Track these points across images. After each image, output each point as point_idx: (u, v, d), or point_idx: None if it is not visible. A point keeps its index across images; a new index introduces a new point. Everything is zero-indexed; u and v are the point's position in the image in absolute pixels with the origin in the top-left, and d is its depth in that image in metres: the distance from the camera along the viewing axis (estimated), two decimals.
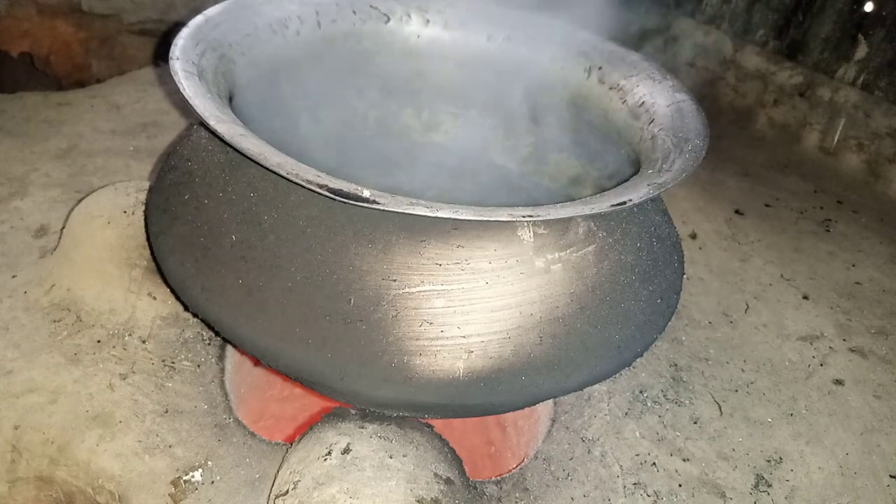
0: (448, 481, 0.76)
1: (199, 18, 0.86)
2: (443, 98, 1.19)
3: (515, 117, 1.17)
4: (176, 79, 0.72)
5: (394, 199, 0.61)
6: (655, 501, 0.90)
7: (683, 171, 0.75)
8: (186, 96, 0.70)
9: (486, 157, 1.23)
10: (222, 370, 0.98)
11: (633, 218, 0.81)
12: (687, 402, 1.07)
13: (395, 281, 0.67)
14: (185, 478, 0.83)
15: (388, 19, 1.10)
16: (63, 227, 1.09)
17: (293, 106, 1.03)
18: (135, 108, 1.62)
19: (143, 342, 0.99)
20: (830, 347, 1.24)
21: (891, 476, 1.01)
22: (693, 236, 1.50)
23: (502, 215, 0.63)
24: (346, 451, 0.75)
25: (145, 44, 2.12)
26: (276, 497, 0.75)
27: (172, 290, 0.84)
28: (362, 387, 0.69)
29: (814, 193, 1.79)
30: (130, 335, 0.99)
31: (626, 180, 0.77)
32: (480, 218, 0.62)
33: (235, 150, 0.66)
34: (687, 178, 0.74)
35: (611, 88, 1.00)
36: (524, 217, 0.64)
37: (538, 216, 0.65)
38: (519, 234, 0.70)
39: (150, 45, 2.12)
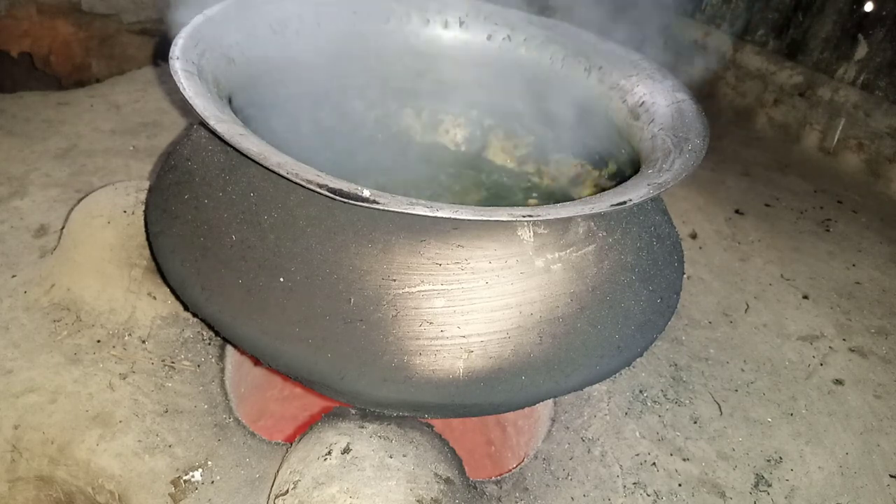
0: (448, 481, 0.76)
1: (199, 18, 0.85)
2: (443, 98, 1.19)
3: (515, 117, 1.17)
4: (176, 78, 0.72)
5: (394, 199, 0.61)
6: (655, 501, 0.90)
7: (683, 171, 0.75)
8: (186, 96, 0.70)
9: (486, 157, 1.23)
10: (222, 370, 0.98)
11: (633, 218, 0.81)
12: (687, 401, 1.07)
13: (395, 281, 0.68)
14: (185, 477, 0.83)
15: (388, 19, 1.10)
16: (63, 227, 1.09)
17: (293, 106, 1.03)
18: (135, 108, 1.62)
19: (143, 342, 0.99)
20: (830, 347, 1.24)
21: (891, 476, 1.01)
22: (693, 236, 1.50)
23: (502, 215, 0.63)
24: (346, 450, 0.75)
25: (145, 43, 2.12)
26: (276, 497, 0.75)
27: (172, 290, 0.84)
28: (362, 386, 0.69)
29: (814, 193, 1.79)
30: (130, 335, 0.99)
31: (626, 180, 0.77)
32: (480, 218, 0.62)
33: (235, 150, 0.66)
34: (687, 178, 0.74)
35: (611, 88, 1.00)
36: (524, 217, 0.64)
37: (538, 216, 0.65)
38: (519, 233, 0.70)
39: (149, 44, 2.12)
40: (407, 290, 0.68)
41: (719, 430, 1.03)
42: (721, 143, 1.99)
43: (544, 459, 0.93)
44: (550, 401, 1.02)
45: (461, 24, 1.11)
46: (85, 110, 1.58)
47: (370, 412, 0.81)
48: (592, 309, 0.73)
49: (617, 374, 0.96)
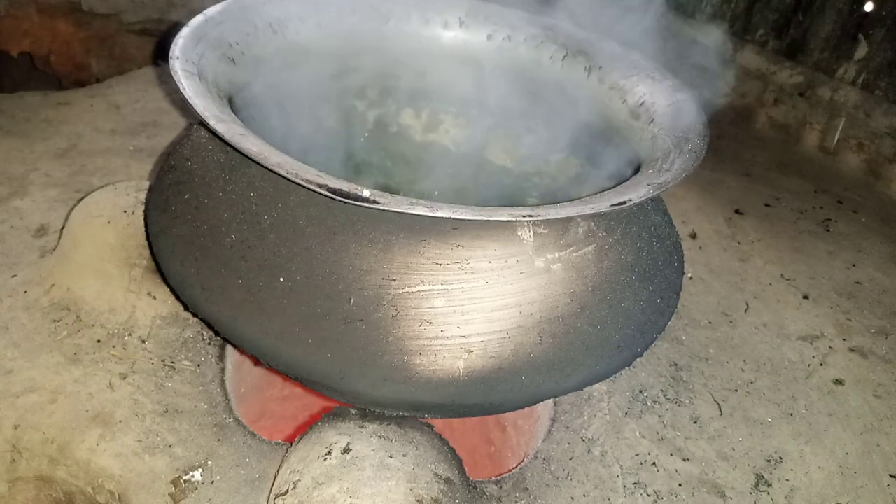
0: (448, 481, 0.76)
1: (199, 18, 0.86)
2: (443, 98, 1.19)
3: (515, 117, 1.17)
4: (176, 78, 0.72)
5: (394, 199, 0.61)
6: (655, 501, 0.90)
7: (683, 171, 0.75)
8: (186, 96, 0.70)
9: (486, 157, 1.23)
10: (222, 370, 0.98)
11: (633, 218, 0.81)
12: (687, 401, 1.07)
13: (395, 280, 0.68)
14: (185, 477, 0.83)
15: (388, 19, 1.10)
16: (63, 227, 1.09)
17: (293, 106, 1.03)
18: (135, 108, 1.62)
19: (143, 342, 0.99)
20: (830, 347, 1.24)
21: (891, 476, 1.01)
22: (693, 236, 1.50)
23: (502, 215, 0.63)
24: (346, 450, 0.75)
25: (145, 43, 2.12)
26: (277, 497, 0.75)
27: (172, 290, 0.84)
28: (362, 386, 0.69)
29: (814, 193, 1.79)
30: (130, 335, 0.99)
31: (626, 180, 0.77)
32: (480, 218, 0.62)
33: (235, 150, 0.66)
34: (687, 178, 0.74)
35: (611, 88, 1.00)
36: (524, 217, 0.64)
37: (538, 216, 0.65)
38: (519, 233, 0.70)
39: (150, 44, 2.12)
40: (407, 290, 0.68)
41: (719, 430, 1.03)
42: (721, 143, 1.99)
43: (544, 459, 0.93)
44: (550, 401, 1.02)
45: (461, 23, 1.11)
46: (85, 110, 1.58)
47: (370, 412, 0.81)
48: (592, 309, 0.73)
49: (617, 374, 0.96)
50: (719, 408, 1.07)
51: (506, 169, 1.22)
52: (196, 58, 0.79)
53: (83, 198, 1.08)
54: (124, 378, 0.93)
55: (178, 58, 0.76)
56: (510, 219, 0.64)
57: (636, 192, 0.70)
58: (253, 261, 0.70)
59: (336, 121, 1.16)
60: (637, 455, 0.96)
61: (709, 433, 1.02)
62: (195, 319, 1.02)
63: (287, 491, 0.74)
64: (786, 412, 1.09)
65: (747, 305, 1.31)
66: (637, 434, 0.99)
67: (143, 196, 1.04)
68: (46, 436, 0.86)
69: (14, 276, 1.07)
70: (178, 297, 0.83)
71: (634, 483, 0.92)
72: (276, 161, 0.63)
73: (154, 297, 1.02)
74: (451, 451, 0.82)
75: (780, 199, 1.73)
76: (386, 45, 1.10)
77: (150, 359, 0.97)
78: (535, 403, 0.88)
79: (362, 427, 0.78)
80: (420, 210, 0.61)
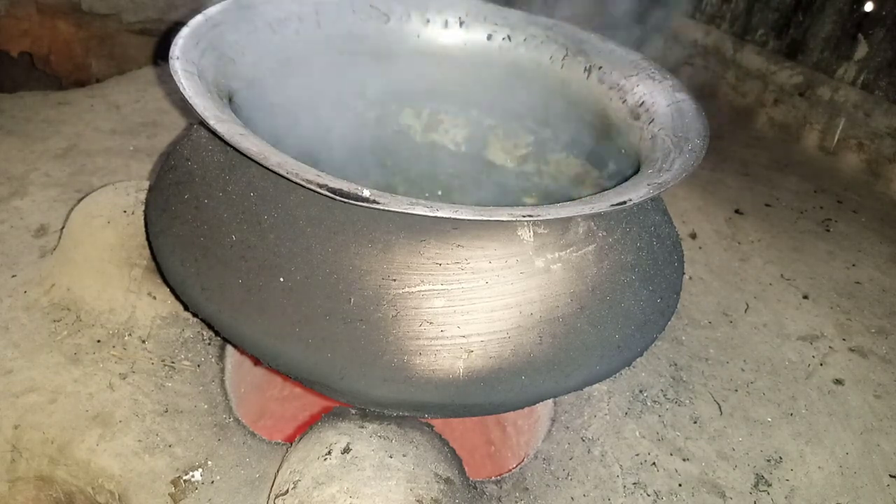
0: (448, 481, 0.76)
1: (199, 18, 0.86)
2: (443, 98, 1.19)
3: (515, 117, 1.17)
4: (176, 78, 0.72)
5: (394, 199, 0.61)
6: (655, 501, 0.90)
7: (683, 171, 0.75)
8: (186, 96, 0.70)
9: (486, 157, 1.23)
10: (222, 370, 0.98)
11: (633, 218, 0.81)
12: (687, 401, 1.07)
13: (395, 280, 0.68)
14: (185, 477, 0.83)
15: (388, 19, 1.10)
16: (63, 227, 1.09)
17: (293, 106, 1.03)
18: (135, 108, 1.62)
19: (143, 342, 0.99)
20: (830, 347, 1.24)
21: (891, 476, 1.01)
22: (693, 236, 1.50)
23: (502, 215, 0.63)
24: (346, 450, 0.75)
25: (145, 43, 2.12)
26: (276, 497, 0.75)
27: (172, 290, 0.84)
28: (362, 386, 0.69)
29: (814, 193, 1.79)
30: (130, 335, 0.99)
31: (626, 180, 0.77)
32: (480, 218, 0.62)
33: (235, 149, 0.66)
34: (687, 178, 0.74)
35: (611, 88, 1.00)
36: (524, 217, 0.64)
37: (538, 216, 0.65)
38: (519, 233, 0.70)
39: (150, 44, 2.13)
40: (407, 289, 0.68)
41: (719, 430, 1.03)
42: (721, 143, 1.99)
43: (544, 459, 0.93)
44: (550, 401, 1.02)
45: (461, 23, 1.11)
46: (85, 110, 1.58)
47: (370, 412, 0.81)
48: (592, 309, 0.73)
49: (617, 374, 0.96)
50: (719, 408, 1.07)
51: (506, 169, 1.22)
52: (196, 58, 0.79)
53: (83, 198, 1.08)
54: (124, 378, 0.93)
55: (178, 58, 0.76)
56: (510, 219, 0.64)
57: (636, 192, 0.70)
58: (253, 261, 0.70)
59: (336, 121, 1.16)
60: (637, 455, 0.96)
61: (709, 433, 1.02)
62: (195, 319, 1.02)
63: (287, 491, 0.74)
64: (786, 412, 1.09)
65: (747, 305, 1.31)
66: (637, 434, 0.99)
67: (143, 196, 1.04)
68: (46, 436, 0.86)
69: (14, 276, 1.07)
70: (178, 297, 0.83)
71: (634, 483, 0.92)
72: (276, 161, 0.63)
73: (154, 297, 1.02)
74: (451, 451, 0.82)
75: (780, 199, 1.73)
76: (386, 45, 1.10)
77: (150, 359, 0.97)
78: (535, 403, 0.88)
79: (362, 427, 0.78)
80: (420, 210, 0.61)
